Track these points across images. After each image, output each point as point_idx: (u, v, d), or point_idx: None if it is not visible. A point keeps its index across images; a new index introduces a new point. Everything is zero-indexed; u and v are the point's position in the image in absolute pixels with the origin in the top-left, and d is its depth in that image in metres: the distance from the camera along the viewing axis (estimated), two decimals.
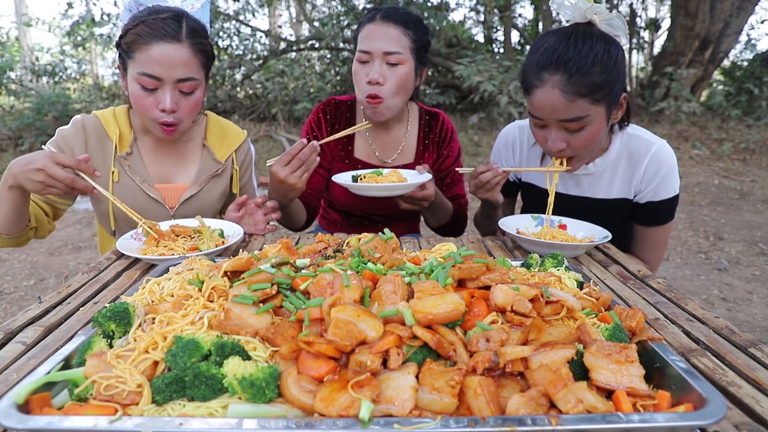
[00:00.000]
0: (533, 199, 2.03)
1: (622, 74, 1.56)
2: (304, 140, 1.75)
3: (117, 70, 1.81)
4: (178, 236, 1.62)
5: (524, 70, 1.63)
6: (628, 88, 1.81)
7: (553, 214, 1.87)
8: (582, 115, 1.53)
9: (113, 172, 1.80)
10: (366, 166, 2.13)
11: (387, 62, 1.89)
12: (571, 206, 1.90)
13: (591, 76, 1.49)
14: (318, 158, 1.77)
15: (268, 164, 1.79)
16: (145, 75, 1.62)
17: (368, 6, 10.28)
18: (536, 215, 1.87)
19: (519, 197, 2.22)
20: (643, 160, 1.77)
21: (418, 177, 1.87)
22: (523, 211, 2.15)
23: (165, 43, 1.61)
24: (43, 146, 1.69)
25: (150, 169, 1.87)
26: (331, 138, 1.91)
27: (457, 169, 1.97)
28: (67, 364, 0.83)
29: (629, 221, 1.93)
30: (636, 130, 1.83)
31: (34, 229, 1.77)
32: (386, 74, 1.90)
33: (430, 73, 10.94)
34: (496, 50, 12.72)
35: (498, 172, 1.73)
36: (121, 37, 1.66)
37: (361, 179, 1.91)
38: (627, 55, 1.62)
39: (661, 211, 1.81)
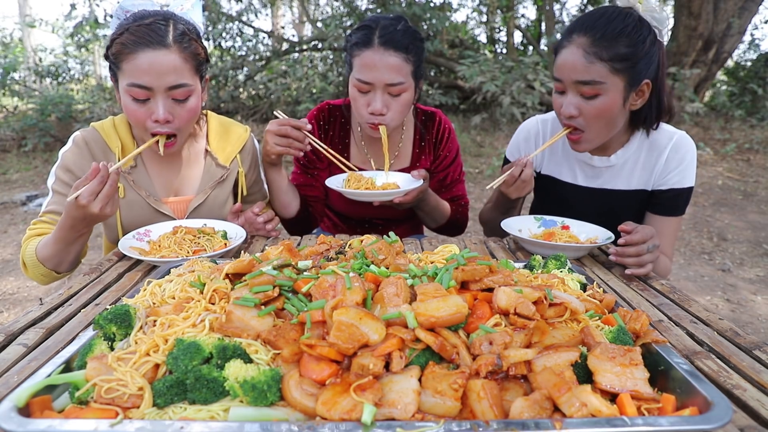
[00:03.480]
0: (552, 192, 2.01)
1: (650, 57, 1.58)
2: (309, 126, 1.79)
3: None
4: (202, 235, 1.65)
5: (560, 37, 1.68)
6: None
7: (570, 205, 1.90)
8: (598, 80, 1.55)
9: (118, 188, 1.75)
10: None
11: (389, 92, 1.84)
12: (590, 198, 1.91)
13: (615, 45, 1.53)
14: (308, 146, 1.82)
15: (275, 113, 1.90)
16: (135, 86, 1.55)
17: (371, 6, 10.27)
18: (539, 216, 1.86)
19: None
20: (665, 149, 1.78)
21: (409, 183, 1.90)
22: (536, 204, 2.14)
23: (151, 49, 1.53)
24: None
25: (156, 182, 1.83)
26: (322, 147, 1.93)
27: (488, 187, 1.87)
28: (68, 367, 0.83)
29: (641, 216, 1.93)
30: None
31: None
32: (388, 103, 1.86)
33: (432, 73, 10.93)
34: (498, 51, 12.71)
35: (523, 163, 1.71)
36: (108, 48, 1.59)
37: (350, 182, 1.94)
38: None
39: (681, 201, 1.82)
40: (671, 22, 1.74)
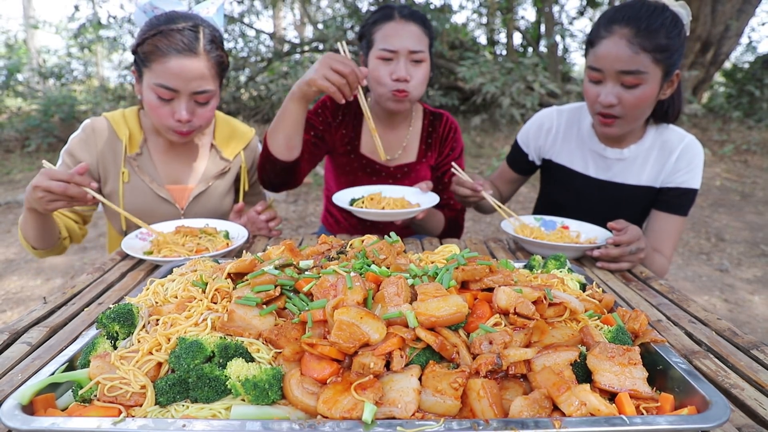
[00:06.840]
0: (562, 181, 2.03)
1: (681, 49, 1.65)
2: (366, 72, 1.74)
3: (125, 72, 1.78)
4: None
5: (594, 26, 1.73)
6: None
7: (579, 196, 1.93)
8: (642, 70, 1.60)
9: (123, 173, 1.82)
10: (370, 162, 2.15)
11: (411, 60, 1.94)
12: (599, 190, 1.95)
13: (657, 36, 1.58)
14: (352, 97, 1.74)
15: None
16: (162, 87, 1.64)
17: (372, 9, 10.28)
18: (539, 216, 1.87)
19: (537, 177, 2.20)
20: (675, 149, 1.84)
21: (417, 196, 1.93)
22: (545, 192, 2.14)
23: (183, 56, 1.62)
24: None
25: (160, 169, 1.89)
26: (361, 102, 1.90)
27: (452, 169, 1.92)
28: (71, 365, 0.83)
29: (644, 215, 1.95)
30: (669, 125, 1.90)
31: (68, 238, 1.83)
32: (411, 71, 1.95)
33: (432, 74, 10.93)
34: (498, 52, 12.71)
35: (478, 196, 1.83)
36: (137, 44, 1.67)
37: (361, 202, 1.88)
38: None
39: (686, 200, 1.86)
40: (690, 17, 1.81)
